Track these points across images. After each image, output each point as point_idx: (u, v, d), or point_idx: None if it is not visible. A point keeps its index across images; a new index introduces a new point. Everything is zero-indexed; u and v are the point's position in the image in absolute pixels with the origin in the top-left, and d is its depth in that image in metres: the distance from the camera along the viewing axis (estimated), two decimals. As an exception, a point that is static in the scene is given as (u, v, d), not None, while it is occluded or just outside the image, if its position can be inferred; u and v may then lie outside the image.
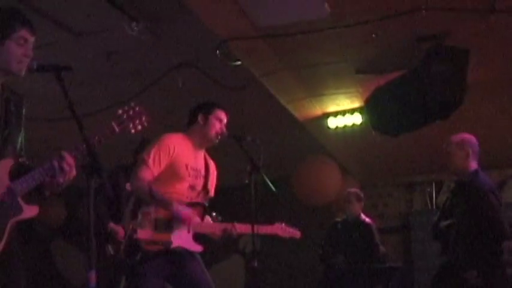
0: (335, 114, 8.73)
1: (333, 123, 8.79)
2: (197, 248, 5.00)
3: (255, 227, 4.91)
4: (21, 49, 3.34)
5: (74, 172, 3.31)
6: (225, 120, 5.11)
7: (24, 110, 3.60)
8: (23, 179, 3.31)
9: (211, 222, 5.18)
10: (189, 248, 4.95)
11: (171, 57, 6.74)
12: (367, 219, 8.82)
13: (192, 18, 5.60)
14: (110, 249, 6.09)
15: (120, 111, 3.58)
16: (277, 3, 5.51)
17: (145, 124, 3.65)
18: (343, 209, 8.98)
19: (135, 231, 4.63)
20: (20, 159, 3.53)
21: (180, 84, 6.77)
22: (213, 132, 5.04)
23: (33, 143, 3.77)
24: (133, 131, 3.63)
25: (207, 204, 5.13)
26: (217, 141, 5.09)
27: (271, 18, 5.75)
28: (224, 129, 5.08)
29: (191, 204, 4.98)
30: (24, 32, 3.35)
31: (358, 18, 5.77)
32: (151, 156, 4.80)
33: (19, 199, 3.31)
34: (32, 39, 3.40)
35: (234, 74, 6.85)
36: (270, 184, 4.96)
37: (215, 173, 5.33)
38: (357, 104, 8.42)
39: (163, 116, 7.27)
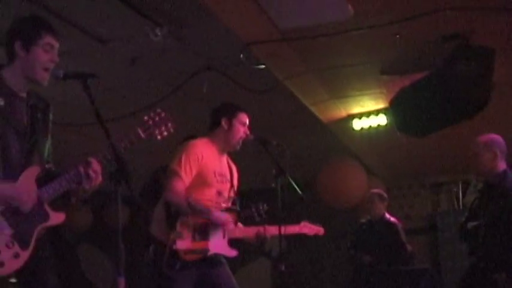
0: (359, 115, 8.70)
1: (357, 124, 8.76)
2: (232, 253, 5.04)
3: (283, 228, 4.97)
4: (48, 55, 3.40)
5: (100, 179, 3.34)
6: (247, 123, 5.11)
7: (51, 117, 3.64)
8: (49, 185, 3.35)
9: (241, 226, 5.22)
10: (225, 253, 5.00)
11: (195, 62, 6.76)
12: (392, 219, 8.80)
13: (216, 23, 5.60)
14: (151, 251, 6.09)
15: (145, 118, 3.61)
16: (300, 6, 5.49)
17: (171, 130, 3.68)
18: (367, 210, 8.97)
19: (174, 242, 4.65)
20: (47, 166, 3.57)
21: (204, 88, 6.78)
22: (237, 137, 5.05)
23: (58, 148, 3.80)
24: (159, 137, 3.66)
25: (239, 209, 5.15)
26: (240, 144, 5.10)
27: (294, 21, 5.73)
28: (247, 133, 5.08)
29: (226, 210, 5.03)
30: (49, 38, 3.42)
31: (382, 19, 5.73)
32: (182, 166, 4.80)
33: (46, 206, 3.34)
34: (57, 45, 3.46)
35: (258, 77, 6.84)
36: (297, 187, 4.96)
37: (237, 175, 5.34)
38: (381, 105, 8.38)
39: (188, 121, 7.27)
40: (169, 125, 3.68)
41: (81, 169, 3.33)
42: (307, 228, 5.53)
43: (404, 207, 13.19)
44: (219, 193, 5.03)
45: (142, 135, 3.55)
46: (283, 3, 5.40)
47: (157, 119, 3.63)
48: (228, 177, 5.15)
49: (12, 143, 3.33)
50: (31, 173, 3.34)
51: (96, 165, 3.33)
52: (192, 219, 4.79)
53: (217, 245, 4.91)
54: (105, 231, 11.96)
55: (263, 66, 6.46)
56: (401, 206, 13.18)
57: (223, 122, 5.05)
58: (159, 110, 3.67)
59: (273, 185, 4.84)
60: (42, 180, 3.40)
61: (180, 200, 4.74)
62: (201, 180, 4.90)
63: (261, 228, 5.08)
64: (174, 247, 4.65)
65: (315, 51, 6.46)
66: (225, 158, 5.19)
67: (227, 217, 4.93)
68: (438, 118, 6.64)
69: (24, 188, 3.26)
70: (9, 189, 3.23)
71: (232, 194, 5.19)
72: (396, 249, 8.48)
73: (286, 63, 6.70)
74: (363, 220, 9.07)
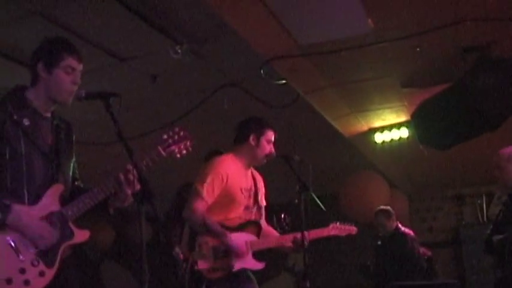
0: (381, 129, 8.68)
1: (379, 138, 8.74)
2: (259, 265, 4.99)
3: (313, 232, 5.01)
4: (70, 77, 3.41)
5: (139, 185, 3.28)
6: (273, 140, 5.10)
7: (73, 137, 3.67)
8: (73, 203, 3.35)
9: (276, 235, 5.20)
10: (251, 267, 4.95)
11: (215, 78, 6.77)
12: (405, 230, 8.68)
13: (236, 39, 5.60)
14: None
15: (165, 136, 3.60)
16: (320, 21, 5.49)
17: (190, 149, 3.66)
18: (377, 228, 8.85)
19: (195, 263, 4.64)
20: (76, 183, 3.61)
21: (225, 104, 6.79)
22: (263, 155, 5.03)
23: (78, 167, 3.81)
24: (178, 155, 3.65)
25: (260, 221, 5.12)
26: (265, 161, 5.08)
27: (314, 36, 5.74)
28: (273, 150, 5.06)
29: (244, 226, 4.99)
30: (71, 60, 3.43)
31: (402, 32, 5.72)
32: (205, 186, 4.80)
33: (70, 224, 3.34)
34: (79, 67, 3.47)
35: (278, 92, 6.84)
36: (320, 203, 4.94)
37: (263, 183, 5.32)
38: (403, 118, 8.36)
39: (209, 137, 7.28)
40: (188, 143, 3.66)
41: (121, 176, 3.35)
42: (338, 229, 5.47)
43: (427, 220, 13.11)
44: (247, 208, 5.03)
45: (163, 153, 3.55)
46: (303, 18, 5.40)
47: (176, 137, 3.63)
48: (253, 190, 5.14)
49: (37, 163, 3.34)
50: (55, 191, 3.36)
51: (133, 171, 3.31)
52: (213, 238, 4.78)
53: (242, 259, 4.86)
54: (127, 249, 11.96)
55: (284, 82, 6.45)
56: (424, 219, 13.11)
57: (251, 139, 5.03)
58: (177, 129, 3.66)
59: (296, 201, 4.81)
60: (68, 199, 3.42)
61: (198, 219, 4.74)
62: (228, 199, 4.89)
63: (298, 234, 4.93)
64: (196, 267, 4.64)
65: (335, 65, 6.46)
66: (249, 172, 5.18)
67: (241, 243, 4.85)
68: (461, 130, 6.60)
69: (45, 230, 3.25)
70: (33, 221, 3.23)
71: (259, 205, 5.17)
72: (411, 261, 8.38)
73: (307, 78, 6.70)
74: (380, 234, 8.95)
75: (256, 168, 5.28)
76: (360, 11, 5.31)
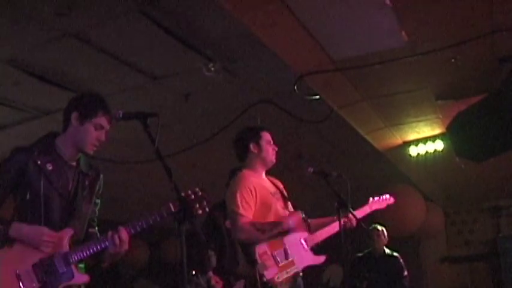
0: (416, 142, 8.60)
1: (414, 151, 8.65)
2: (320, 259, 4.94)
3: (359, 210, 5.17)
4: (97, 133, 3.64)
5: (126, 247, 3.50)
6: (271, 139, 5.11)
7: (99, 185, 3.84)
8: (79, 248, 3.54)
9: (325, 225, 5.13)
10: (313, 263, 4.91)
11: (248, 95, 6.77)
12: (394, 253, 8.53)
13: (268, 55, 5.61)
14: None
15: (183, 194, 3.48)
16: (354, 35, 5.45)
17: (207, 210, 3.55)
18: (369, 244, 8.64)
19: (262, 275, 4.62)
20: (90, 231, 3.80)
21: (259, 121, 6.77)
22: (269, 156, 5.04)
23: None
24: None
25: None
26: (274, 161, 5.09)
27: (347, 50, 5.70)
28: (276, 148, 5.08)
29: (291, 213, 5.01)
30: (103, 120, 3.66)
31: (436, 44, 5.66)
32: (239, 204, 4.79)
33: (73, 267, 3.51)
34: (108, 127, 3.69)
35: (312, 107, 6.81)
36: (359, 220, 4.90)
37: (282, 186, 5.30)
38: (437, 130, 8.27)
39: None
40: (205, 203, 3.53)
41: (110, 234, 3.50)
42: (377, 203, 5.57)
43: (464, 232, 12.96)
44: (283, 208, 5.01)
45: (173, 210, 3.45)
46: (336, 33, 5.37)
47: (193, 197, 3.50)
48: (278, 191, 5.14)
49: (55, 206, 3.58)
50: (65, 233, 3.54)
51: (123, 234, 3.48)
52: (268, 246, 4.74)
53: (303, 258, 4.85)
54: (161, 266, 11.97)
55: (317, 97, 6.42)
56: (461, 232, 12.96)
57: (252, 148, 5.04)
58: (198, 188, 3.56)
59: (335, 217, 4.77)
60: (79, 243, 3.60)
61: (249, 231, 4.72)
62: (265, 207, 4.87)
63: (345, 219, 4.93)
64: (265, 279, 4.62)
65: (369, 79, 6.42)
66: (266, 179, 5.18)
67: (297, 217, 4.87)
68: (497, 142, 6.50)
69: (52, 233, 3.49)
70: (34, 228, 3.48)
71: (290, 205, 5.16)
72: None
73: (340, 92, 6.67)
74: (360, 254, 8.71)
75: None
76: (393, 24, 5.27)
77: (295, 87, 6.07)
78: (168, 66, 6.18)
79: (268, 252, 4.72)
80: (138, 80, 6.29)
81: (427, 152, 8.64)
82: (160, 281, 13.16)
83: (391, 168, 9.51)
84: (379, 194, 5.68)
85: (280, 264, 4.71)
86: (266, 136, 5.10)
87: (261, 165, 5.08)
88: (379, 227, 8.51)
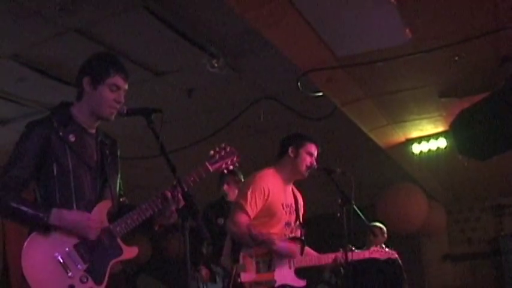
0: (419, 139, 8.58)
1: (416, 148, 8.64)
2: (301, 283, 4.92)
3: (356, 253, 5.05)
4: (113, 95, 3.35)
5: (183, 202, 3.27)
6: (315, 154, 5.02)
7: (118, 153, 3.64)
8: (121, 219, 3.33)
9: (316, 254, 5.13)
10: (292, 284, 4.88)
11: (252, 92, 6.76)
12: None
13: (272, 52, 5.60)
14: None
15: (212, 152, 3.60)
16: (358, 32, 5.44)
17: (237, 164, 3.66)
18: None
19: (238, 275, 4.61)
20: (121, 200, 3.58)
21: (261, 118, 6.77)
22: (303, 167, 4.95)
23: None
24: (225, 171, 3.67)
25: (303, 238, 5.08)
26: (306, 175, 5.01)
27: (351, 47, 5.69)
28: (314, 163, 4.99)
29: (292, 239, 4.95)
30: (117, 79, 3.36)
31: (440, 42, 5.65)
32: (248, 200, 4.77)
33: (118, 240, 3.32)
34: (125, 86, 3.40)
35: (315, 104, 6.81)
36: (362, 216, 4.88)
37: (302, 203, 5.26)
38: (440, 128, 8.25)
39: (246, 151, 7.26)
40: (235, 158, 3.67)
41: (168, 193, 3.34)
42: (378, 253, 5.43)
43: (466, 231, 12.94)
44: (288, 224, 4.97)
45: (211, 168, 3.55)
46: (340, 30, 5.36)
47: (223, 153, 3.63)
48: (294, 206, 5.08)
49: (85, 179, 3.32)
50: (103, 207, 3.33)
51: (178, 188, 3.29)
52: (255, 250, 4.74)
53: (284, 276, 4.81)
54: (163, 263, 11.97)
55: (320, 94, 6.42)
56: (463, 230, 12.94)
57: (290, 151, 4.98)
58: (224, 145, 3.66)
59: (339, 214, 4.75)
60: (115, 215, 3.39)
61: (243, 231, 4.71)
62: (269, 214, 4.85)
63: (339, 254, 4.96)
64: (239, 280, 4.61)
65: (372, 76, 6.40)
66: (290, 188, 5.13)
67: (291, 247, 4.85)
68: (501, 140, 6.48)
69: (95, 216, 3.26)
70: (79, 215, 3.21)
71: (300, 222, 5.12)
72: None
73: (344, 89, 6.66)
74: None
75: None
76: (397, 21, 5.25)
77: (299, 84, 6.07)
78: (171, 62, 6.18)
79: (254, 257, 4.72)
80: (141, 75, 6.28)
81: (429, 150, 8.62)
82: (163, 277, 13.17)
83: (394, 166, 9.49)
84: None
85: (260, 273, 4.70)
86: (309, 147, 5.01)
87: (291, 172, 5.01)
88: (379, 225, 8.51)
